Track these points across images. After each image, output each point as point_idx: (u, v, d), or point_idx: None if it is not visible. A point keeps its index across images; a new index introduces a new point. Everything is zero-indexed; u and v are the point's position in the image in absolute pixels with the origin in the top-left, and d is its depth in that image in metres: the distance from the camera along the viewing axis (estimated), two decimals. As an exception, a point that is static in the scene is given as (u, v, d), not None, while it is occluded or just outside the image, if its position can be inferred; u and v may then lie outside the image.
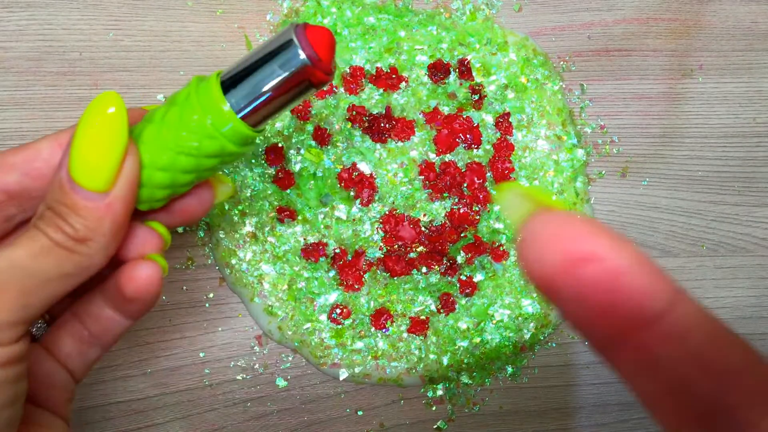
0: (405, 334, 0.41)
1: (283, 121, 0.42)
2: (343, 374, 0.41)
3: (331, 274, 0.41)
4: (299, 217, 0.41)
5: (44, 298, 0.22)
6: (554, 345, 0.43)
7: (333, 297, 0.41)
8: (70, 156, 0.22)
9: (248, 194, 0.41)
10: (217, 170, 0.25)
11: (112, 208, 0.22)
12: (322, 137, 0.41)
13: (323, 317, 0.41)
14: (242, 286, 0.41)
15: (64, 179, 0.22)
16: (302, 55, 0.23)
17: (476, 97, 0.43)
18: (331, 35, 0.24)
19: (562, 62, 0.45)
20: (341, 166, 0.41)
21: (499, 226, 0.42)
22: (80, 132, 0.22)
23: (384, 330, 0.41)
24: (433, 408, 0.42)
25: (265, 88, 0.23)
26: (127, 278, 0.24)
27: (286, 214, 0.41)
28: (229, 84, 0.23)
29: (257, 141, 0.26)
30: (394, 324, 0.41)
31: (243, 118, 0.23)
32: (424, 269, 0.41)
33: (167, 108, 0.24)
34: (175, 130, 0.23)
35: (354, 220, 0.41)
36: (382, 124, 0.41)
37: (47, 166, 0.24)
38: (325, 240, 0.41)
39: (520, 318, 0.42)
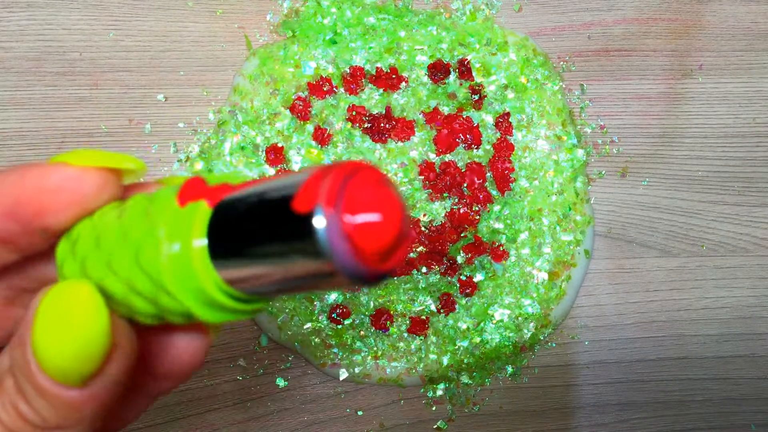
0: (405, 334, 0.41)
1: (283, 121, 0.42)
2: (343, 374, 0.41)
3: (331, 274, 0.41)
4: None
5: None
6: (554, 345, 0.43)
7: (333, 297, 0.41)
8: (34, 342, 0.15)
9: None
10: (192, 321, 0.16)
11: (91, 402, 0.16)
12: (322, 137, 0.41)
13: (323, 317, 0.41)
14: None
15: (29, 358, 0.15)
16: (332, 267, 0.13)
17: (476, 97, 0.43)
18: (398, 209, 0.13)
19: (562, 62, 0.45)
20: (341, 166, 0.41)
21: (499, 226, 0.42)
22: (43, 319, 0.15)
23: (384, 330, 0.41)
24: (433, 408, 0.42)
25: (256, 262, 0.14)
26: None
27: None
28: (222, 222, 0.14)
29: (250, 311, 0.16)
30: (394, 324, 0.41)
31: (229, 279, 0.14)
32: (424, 269, 0.41)
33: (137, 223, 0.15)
34: (130, 261, 0.15)
35: (354, 220, 0.41)
36: (382, 124, 0.42)
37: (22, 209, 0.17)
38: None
39: (520, 318, 0.42)
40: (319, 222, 0.12)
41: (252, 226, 0.13)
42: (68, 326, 0.15)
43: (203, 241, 0.14)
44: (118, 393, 0.16)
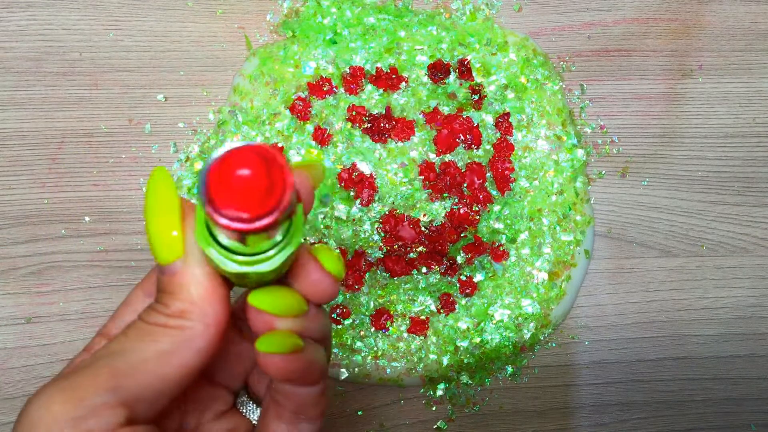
0: (405, 334, 0.41)
1: (283, 121, 0.42)
2: (343, 374, 0.41)
3: (331, 274, 0.41)
4: (299, 217, 0.41)
5: (142, 380, 0.20)
6: (554, 345, 0.43)
7: (333, 297, 0.41)
8: (149, 242, 0.21)
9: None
10: (268, 282, 0.22)
11: (188, 272, 0.21)
12: (322, 137, 0.41)
13: (323, 317, 0.41)
14: (242, 286, 0.41)
15: (156, 269, 0.22)
16: (213, 215, 0.18)
17: (476, 97, 0.43)
18: (257, 163, 0.18)
19: (562, 62, 0.45)
20: (341, 166, 0.41)
21: (499, 226, 0.42)
22: (146, 216, 0.21)
23: (384, 330, 0.41)
24: (433, 408, 0.42)
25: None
26: (261, 366, 0.22)
27: (286, 214, 0.41)
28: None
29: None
30: (394, 324, 0.41)
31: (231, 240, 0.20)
32: (424, 269, 0.41)
33: None
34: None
35: (354, 220, 0.41)
36: (382, 124, 0.42)
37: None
38: (325, 240, 0.41)
39: (520, 318, 0.42)
40: (203, 200, 0.18)
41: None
42: (151, 206, 0.21)
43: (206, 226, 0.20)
44: (208, 272, 0.21)
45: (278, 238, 0.20)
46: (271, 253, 0.20)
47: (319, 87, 0.42)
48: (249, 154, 0.18)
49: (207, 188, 0.18)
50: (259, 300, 0.22)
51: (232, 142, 0.18)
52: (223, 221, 0.18)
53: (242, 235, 0.19)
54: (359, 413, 0.42)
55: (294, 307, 0.22)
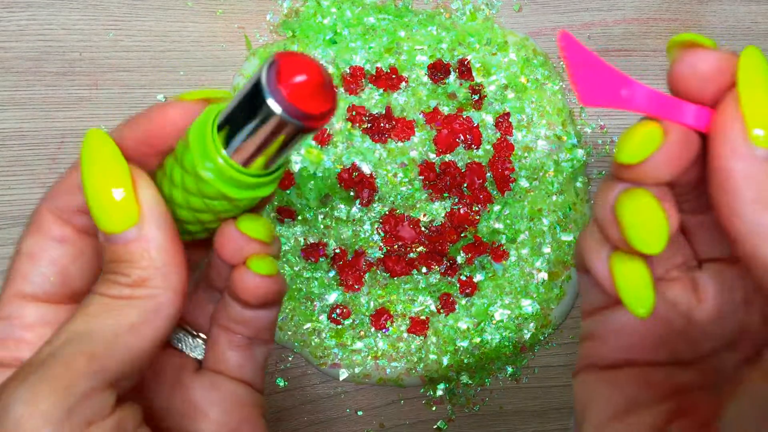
0: (405, 334, 0.41)
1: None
2: (343, 374, 0.41)
3: (331, 274, 0.41)
4: (299, 217, 0.41)
5: (120, 356, 0.19)
6: (554, 345, 0.43)
7: (333, 297, 0.41)
8: (90, 212, 0.20)
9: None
10: (241, 210, 0.23)
11: (148, 238, 0.20)
12: (321, 137, 0.41)
13: (323, 317, 0.41)
14: (242, 286, 0.41)
15: (101, 238, 0.21)
16: (277, 110, 0.18)
17: (476, 97, 0.43)
18: (315, 69, 0.19)
19: (562, 62, 0.45)
20: (341, 166, 0.41)
21: (499, 226, 0.42)
22: (85, 182, 0.20)
23: (384, 330, 0.41)
24: (433, 408, 0.42)
25: (248, 137, 0.20)
26: (241, 290, 0.23)
27: (286, 214, 0.41)
28: (221, 124, 0.20)
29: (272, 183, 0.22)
30: (394, 324, 0.41)
31: (241, 161, 0.20)
32: (424, 269, 0.41)
33: (181, 142, 0.22)
34: (180, 169, 0.21)
35: (354, 220, 0.41)
36: (382, 124, 0.42)
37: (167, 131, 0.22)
38: (325, 240, 0.41)
39: (520, 318, 0.42)
40: (267, 94, 0.18)
41: (238, 116, 0.20)
42: (94, 172, 0.20)
43: (219, 149, 0.20)
44: (169, 237, 0.20)
45: (278, 162, 0.21)
46: (265, 179, 0.21)
47: (319, 87, 0.42)
48: (308, 60, 0.19)
49: (274, 84, 0.18)
50: (249, 227, 0.23)
51: (281, 52, 0.19)
52: (292, 113, 0.19)
53: (258, 153, 0.20)
54: (359, 413, 0.42)
55: (272, 233, 0.24)
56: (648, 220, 0.19)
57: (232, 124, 0.20)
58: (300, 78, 0.19)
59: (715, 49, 0.19)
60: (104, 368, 0.19)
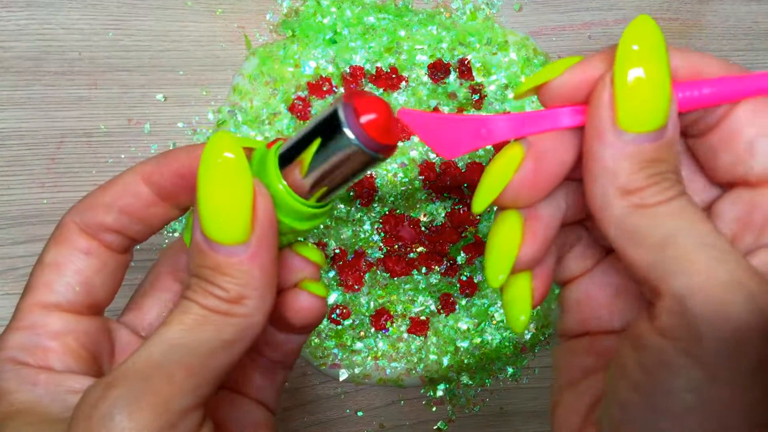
0: (405, 335, 0.41)
1: (282, 121, 0.42)
2: (343, 375, 0.41)
3: (331, 274, 0.41)
4: (299, 217, 0.41)
5: (213, 374, 0.19)
6: (555, 345, 0.43)
7: (333, 297, 0.41)
8: (200, 214, 0.20)
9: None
10: (295, 239, 0.24)
11: (257, 258, 0.20)
12: (321, 137, 0.41)
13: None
14: (242, 287, 0.40)
15: (201, 240, 0.20)
16: (356, 142, 0.20)
17: (476, 96, 0.42)
18: (385, 107, 0.21)
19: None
20: (341, 166, 0.41)
21: (499, 226, 0.42)
22: (202, 186, 0.19)
23: (384, 330, 0.41)
24: (434, 409, 0.42)
25: (319, 169, 0.21)
26: (294, 311, 0.23)
27: (285, 214, 0.41)
28: (286, 158, 0.21)
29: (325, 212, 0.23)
30: (394, 324, 0.41)
31: (303, 192, 0.22)
32: (424, 269, 0.41)
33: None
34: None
35: (354, 220, 0.41)
36: (382, 124, 0.41)
37: (138, 201, 0.23)
38: (324, 240, 0.41)
39: (520, 318, 0.42)
40: (345, 125, 0.20)
41: (308, 151, 0.21)
42: (219, 178, 0.19)
43: (282, 183, 0.21)
44: (273, 258, 0.20)
45: (331, 197, 0.22)
46: (320, 210, 0.22)
47: (318, 86, 0.42)
48: (378, 99, 0.21)
49: (353, 119, 0.20)
50: (309, 252, 0.24)
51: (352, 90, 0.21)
52: (370, 146, 0.20)
53: (324, 183, 0.21)
54: (359, 414, 0.42)
55: (323, 263, 0.25)
56: (499, 246, 0.21)
57: (297, 157, 0.21)
58: (373, 115, 0.21)
59: (571, 65, 0.20)
60: (200, 385, 0.19)
